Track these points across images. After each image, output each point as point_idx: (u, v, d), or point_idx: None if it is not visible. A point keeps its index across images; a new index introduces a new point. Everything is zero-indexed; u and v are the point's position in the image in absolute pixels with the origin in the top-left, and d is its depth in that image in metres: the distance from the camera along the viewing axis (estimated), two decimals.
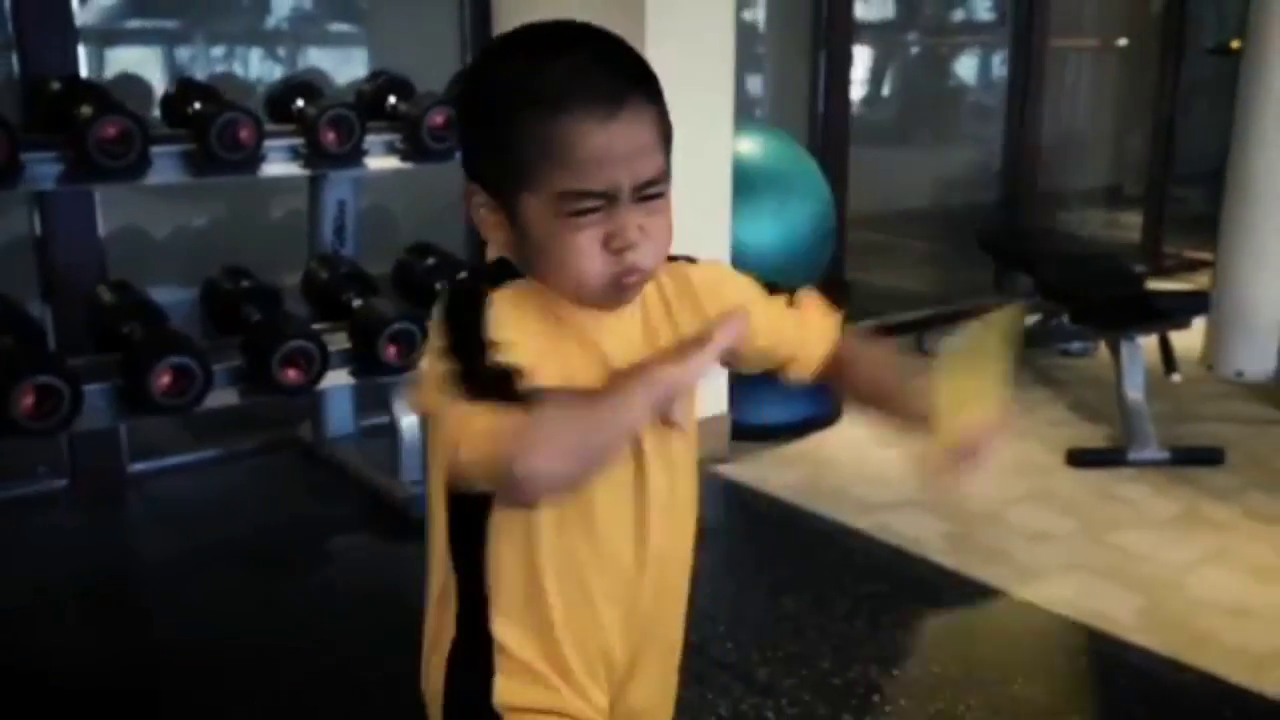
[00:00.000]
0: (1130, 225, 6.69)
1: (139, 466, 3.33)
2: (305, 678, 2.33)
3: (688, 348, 1.10)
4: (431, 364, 1.04)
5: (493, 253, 1.14)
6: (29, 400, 2.45)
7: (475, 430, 0.99)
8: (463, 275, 1.26)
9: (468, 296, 1.08)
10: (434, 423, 1.08)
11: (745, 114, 4.38)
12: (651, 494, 1.17)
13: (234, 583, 2.80)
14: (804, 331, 1.29)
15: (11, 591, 2.73)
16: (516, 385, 1.00)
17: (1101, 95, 6.94)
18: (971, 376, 1.19)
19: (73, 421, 2.54)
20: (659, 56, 3.82)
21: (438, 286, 3.08)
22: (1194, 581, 2.90)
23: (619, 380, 1.07)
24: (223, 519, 3.15)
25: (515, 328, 1.05)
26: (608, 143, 1.02)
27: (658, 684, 1.28)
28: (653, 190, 1.07)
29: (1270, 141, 3.90)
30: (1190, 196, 6.73)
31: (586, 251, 1.05)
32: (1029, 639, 2.50)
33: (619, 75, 1.05)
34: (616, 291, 1.09)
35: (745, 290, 1.26)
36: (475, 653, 1.15)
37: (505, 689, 1.15)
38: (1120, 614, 2.71)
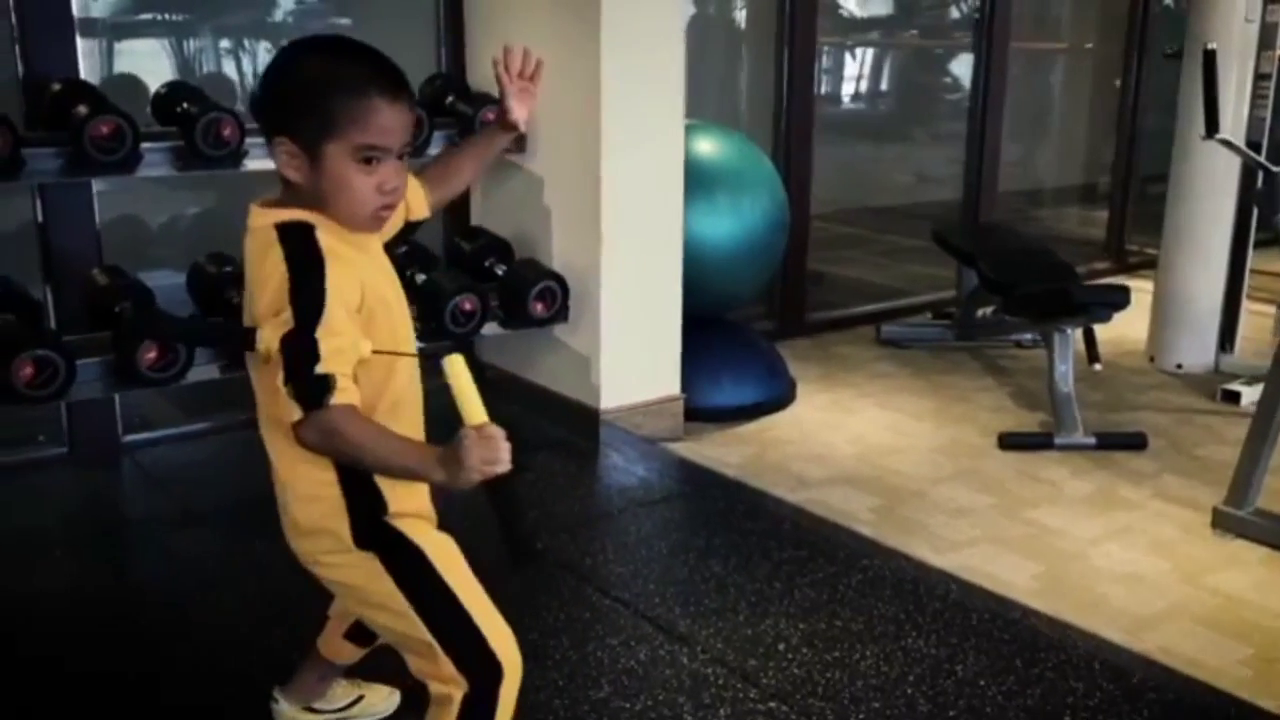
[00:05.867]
0: (1100, 223, 6.93)
1: (132, 437, 3.60)
2: (268, 619, 2.59)
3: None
4: None
5: (290, 181, 1.63)
6: (28, 371, 2.73)
7: None
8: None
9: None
10: None
11: (718, 115, 4.63)
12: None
13: (210, 538, 3.08)
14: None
15: (10, 541, 3.02)
16: None
17: (1071, 96, 7.17)
18: None
19: (68, 391, 2.82)
20: (613, 58, 4.16)
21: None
22: (1095, 553, 3.16)
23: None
24: (206, 485, 3.42)
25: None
26: (392, 117, 1.59)
27: None
28: (408, 151, 1.65)
29: (1209, 144, 4.10)
30: (1160, 194, 6.95)
31: (367, 187, 1.60)
32: (927, 599, 2.74)
33: (398, 77, 1.63)
34: (375, 222, 1.66)
35: None
36: (364, 483, 1.66)
37: (394, 500, 1.68)
38: (1018, 579, 2.98)
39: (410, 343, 1.75)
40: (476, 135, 2.12)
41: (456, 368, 1.47)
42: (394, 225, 1.83)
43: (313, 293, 1.51)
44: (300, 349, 1.49)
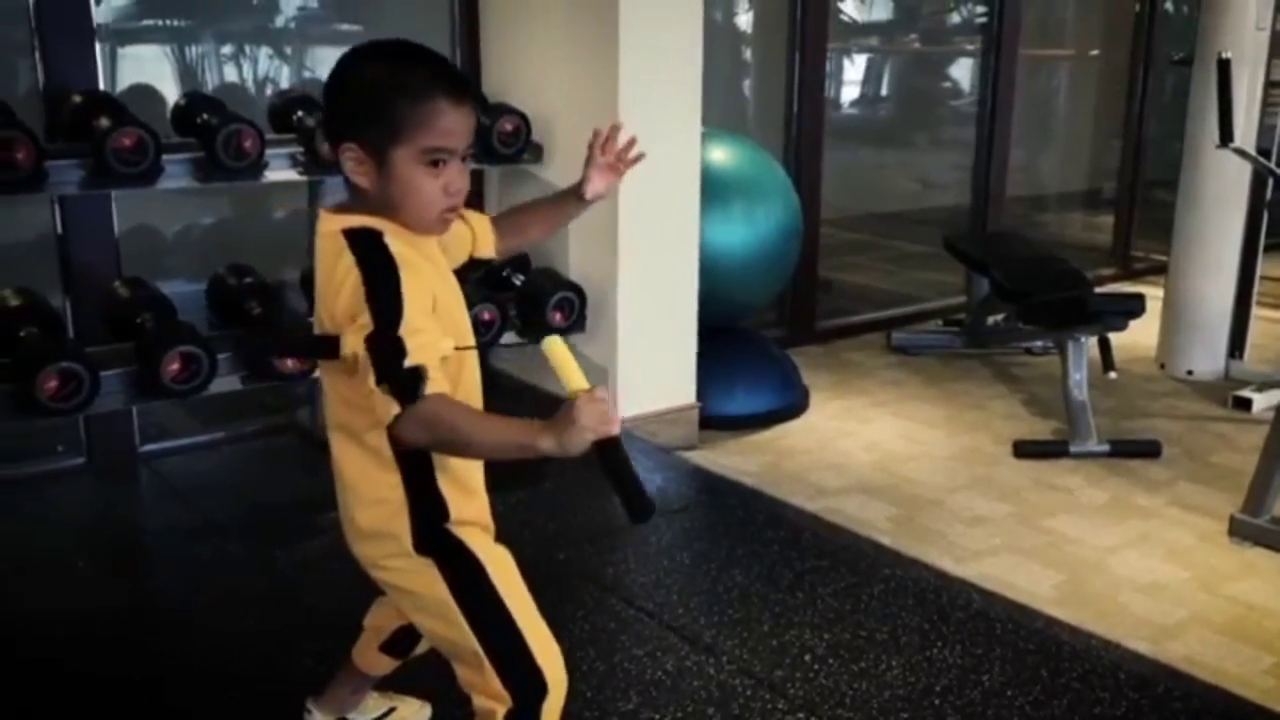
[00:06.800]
0: (1105, 228, 6.94)
1: (150, 447, 3.60)
2: (285, 630, 2.60)
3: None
4: None
5: (357, 187, 1.64)
6: (53, 384, 2.73)
7: None
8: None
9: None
10: None
11: (726, 119, 4.63)
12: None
13: (230, 549, 3.07)
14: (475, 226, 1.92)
15: (29, 552, 3.02)
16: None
17: (1077, 102, 7.18)
18: None
19: (92, 403, 2.82)
20: (631, 64, 4.16)
21: None
22: (1114, 562, 3.17)
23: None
24: (224, 495, 3.42)
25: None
26: (457, 119, 1.61)
27: None
28: (470, 153, 1.67)
29: (1219, 151, 4.11)
30: (1168, 200, 6.96)
31: (434, 189, 1.62)
32: (950, 609, 2.75)
33: (460, 78, 1.67)
34: (442, 224, 1.68)
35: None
36: (428, 489, 1.68)
37: (455, 507, 1.70)
38: (1040, 589, 2.99)
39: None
40: (549, 198, 2.10)
41: (555, 346, 1.52)
42: (459, 257, 1.85)
43: (390, 294, 1.52)
44: (387, 347, 1.49)
